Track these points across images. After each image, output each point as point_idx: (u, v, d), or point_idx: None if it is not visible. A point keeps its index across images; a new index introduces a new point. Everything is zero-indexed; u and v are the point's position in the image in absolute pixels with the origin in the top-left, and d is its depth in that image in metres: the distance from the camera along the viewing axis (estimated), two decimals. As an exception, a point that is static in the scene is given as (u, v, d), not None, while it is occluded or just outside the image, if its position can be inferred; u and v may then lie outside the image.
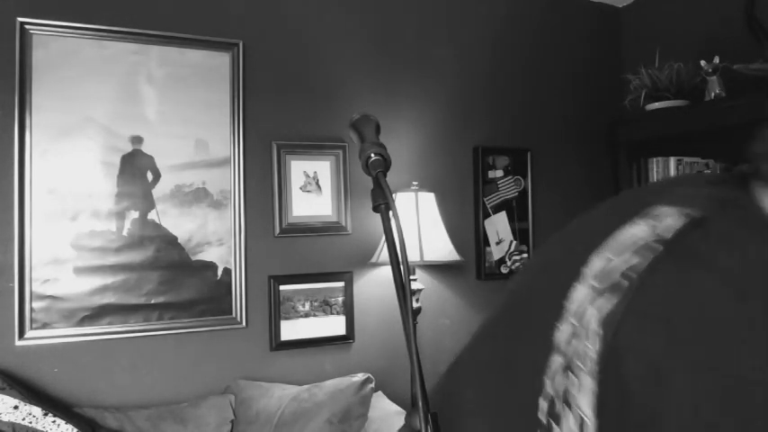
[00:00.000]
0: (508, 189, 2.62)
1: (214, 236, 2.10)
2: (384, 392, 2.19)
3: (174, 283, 2.05)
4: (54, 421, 1.66)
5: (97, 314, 1.96)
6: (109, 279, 1.98)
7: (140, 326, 2.00)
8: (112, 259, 1.99)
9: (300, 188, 2.24)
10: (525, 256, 2.65)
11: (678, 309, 0.47)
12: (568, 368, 0.51)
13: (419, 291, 2.19)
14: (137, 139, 2.02)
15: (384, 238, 0.80)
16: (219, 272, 2.11)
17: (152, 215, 2.04)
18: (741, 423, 0.42)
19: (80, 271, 1.95)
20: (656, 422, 0.45)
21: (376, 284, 2.33)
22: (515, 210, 2.63)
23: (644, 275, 0.49)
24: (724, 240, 0.50)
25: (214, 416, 1.91)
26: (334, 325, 2.25)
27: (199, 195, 2.09)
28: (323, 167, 2.28)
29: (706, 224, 0.51)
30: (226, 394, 2.01)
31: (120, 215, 2.01)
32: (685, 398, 0.44)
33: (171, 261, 2.05)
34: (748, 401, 0.42)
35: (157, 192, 2.05)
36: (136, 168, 2.03)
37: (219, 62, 2.12)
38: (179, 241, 2.06)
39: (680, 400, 0.44)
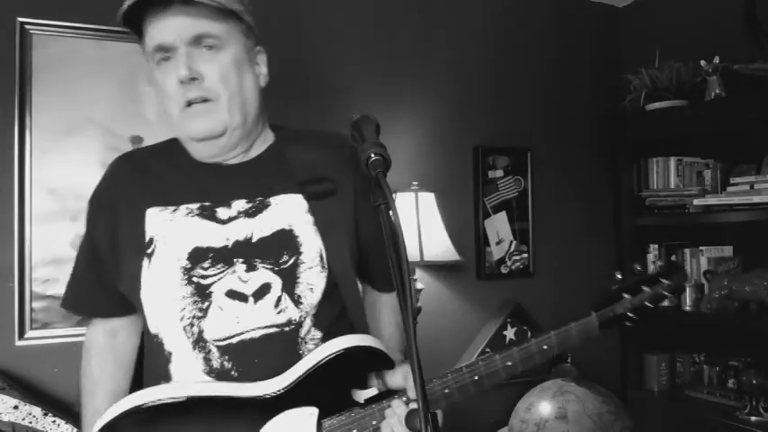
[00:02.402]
0: (508, 189, 2.62)
1: (214, 236, 2.10)
2: (384, 392, 2.19)
3: (174, 283, 2.04)
4: (54, 421, 1.66)
5: (97, 314, 1.96)
6: (109, 279, 1.98)
7: (140, 326, 2.00)
8: (112, 259, 1.99)
9: (300, 188, 2.24)
10: (525, 255, 2.65)
11: None
12: None
13: (419, 291, 2.19)
14: (137, 139, 2.02)
15: (384, 238, 0.80)
16: (219, 272, 2.10)
17: (152, 215, 2.04)
18: None
19: (80, 271, 1.95)
20: None
21: (376, 284, 2.33)
22: (515, 210, 2.63)
23: None
24: None
25: (214, 416, 1.91)
26: (334, 325, 2.25)
27: (199, 195, 2.08)
28: (323, 167, 2.27)
29: None
30: (226, 394, 2.00)
31: (120, 215, 2.00)
32: None
33: (171, 261, 2.04)
34: None
35: (157, 192, 2.05)
36: (136, 168, 2.02)
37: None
38: (179, 241, 2.06)
39: None
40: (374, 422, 0.88)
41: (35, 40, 1.90)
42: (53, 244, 1.91)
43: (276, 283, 0.92)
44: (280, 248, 0.94)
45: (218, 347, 0.89)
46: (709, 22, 2.54)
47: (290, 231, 0.95)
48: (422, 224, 2.14)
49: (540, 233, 2.69)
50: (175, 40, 0.91)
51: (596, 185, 2.85)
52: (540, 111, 2.73)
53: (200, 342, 0.89)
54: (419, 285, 2.20)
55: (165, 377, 0.92)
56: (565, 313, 3.02)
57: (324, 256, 0.96)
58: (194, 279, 0.91)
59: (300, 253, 0.94)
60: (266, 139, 1.07)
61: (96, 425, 0.82)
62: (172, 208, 0.96)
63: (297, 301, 0.93)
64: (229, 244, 0.93)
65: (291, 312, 0.92)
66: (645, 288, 1.03)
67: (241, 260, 0.92)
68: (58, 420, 1.67)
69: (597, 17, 2.90)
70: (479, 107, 2.59)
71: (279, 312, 0.91)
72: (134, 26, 0.94)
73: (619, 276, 1.07)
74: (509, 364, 0.94)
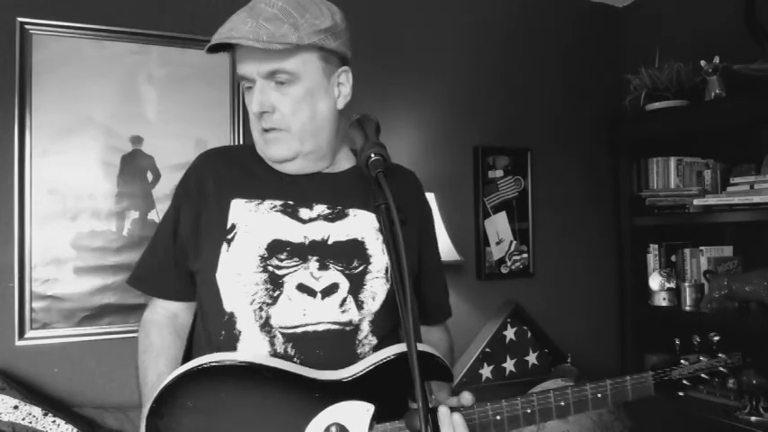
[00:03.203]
0: (508, 189, 2.62)
1: (214, 236, 2.10)
2: (384, 392, 2.19)
3: (174, 283, 2.04)
4: (54, 421, 1.66)
5: (97, 314, 1.96)
6: (109, 279, 1.98)
7: (140, 326, 2.00)
8: (112, 259, 1.99)
9: (300, 188, 2.24)
10: (525, 255, 2.65)
11: None
12: None
13: (419, 291, 2.19)
14: (137, 139, 2.02)
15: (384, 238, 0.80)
16: (219, 272, 2.11)
17: (152, 215, 2.04)
18: None
19: (80, 271, 1.95)
20: None
21: (376, 284, 2.33)
22: (515, 210, 2.63)
23: None
24: None
25: (214, 416, 1.91)
26: (334, 325, 2.25)
27: (199, 195, 2.09)
28: (323, 167, 2.27)
29: None
30: (226, 394, 2.01)
31: (121, 215, 2.01)
32: None
33: (171, 261, 2.04)
34: None
35: (157, 192, 2.05)
36: (136, 168, 2.03)
37: (219, 62, 2.12)
38: (179, 241, 2.06)
39: None
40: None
41: (35, 40, 1.90)
42: (53, 244, 1.91)
43: (344, 284, 0.98)
44: (352, 254, 1.00)
45: (283, 334, 0.95)
46: (709, 22, 2.54)
47: (362, 242, 1.02)
48: (422, 224, 2.14)
49: (540, 233, 2.69)
50: (253, 74, 0.98)
51: (596, 185, 2.85)
52: (540, 111, 2.73)
53: (266, 326, 0.95)
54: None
55: (233, 350, 0.97)
56: (565, 313, 3.03)
57: (389, 270, 1.02)
58: (269, 268, 0.97)
59: (370, 263, 1.01)
60: (350, 159, 1.12)
61: (165, 381, 0.86)
62: (257, 201, 1.02)
63: (359, 305, 0.99)
64: (306, 242, 0.99)
65: (353, 314, 0.98)
66: (702, 358, 1.09)
67: (315, 258, 0.98)
68: (58, 420, 1.67)
69: (597, 17, 2.90)
70: (479, 107, 2.59)
71: (343, 312, 0.97)
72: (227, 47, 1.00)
73: (678, 343, 1.11)
74: (562, 404, 1.04)
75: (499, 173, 2.60)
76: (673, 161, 2.57)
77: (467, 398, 0.92)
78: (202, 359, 0.87)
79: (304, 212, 1.02)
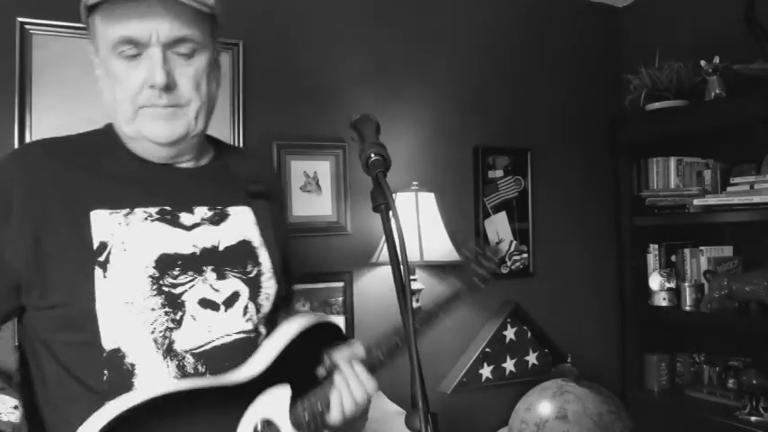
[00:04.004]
0: (508, 189, 2.62)
1: (214, 236, 2.10)
2: (384, 392, 2.19)
3: (173, 283, 2.04)
4: (54, 421, 1.66)
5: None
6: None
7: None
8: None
9: (300, 188, 2.24)
10: (525, 255, 2.65)
11: None
12: None
13: (419, 291, 2.19)
14: (137, 139, 2.02)
15: (384, 238, 0.80)
16: (219, 272, 2.10)
17: (152, 215, 2.04)
18: None
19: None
20: None
21: (376, 284, 2.33)
22: (515, 210, 2.63)
23: None
24: None
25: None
26: (334, 325, 2.25)
27: (199, 195, 2.08)
28: (323, 167, 2.28)
29: None
30: (226, 394, 2.01)
31: (120, 215, 2.00)
32: None
33: (171, 261, 2.04)
34: None
35: (157, 192, 2.05)
36: (136, 168, 2.02)
37: (220, 62, 2.12)
38: (179, 241, 2.05)
39: None
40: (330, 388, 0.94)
41: (35, 40, 1.90)
42: (53, 244, 1.91)
43: (244, 291, 0.93)
44: (245, 258, 0.95)
45: (193, 355, 0.87)
46: (709, 22, 2.54)
47: (250, 242, 0.96)
48: (422, 224, 2.14)
49: (540, 233, 2.69)
50: (151, 39, 0.83)
51: (596, 185, 2.85)
52: (540, 111, 2.73)
53: (170, 352, 0.86)
54: (419, 285, 2.20)
55: (127, 389, 0.84)
56: (565, 313, 3.03)
57: (274, 266, 0.98)
58: (164, 288, 0.86)
59: (260, 264, 0.96)
60: (208, 148, 1.02)
61: None
62: (124, 211, 0.87)
63: (258, 309, 0.95)
64: (197, 251, 0.90)
65: (255, 320, 0.94)
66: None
67: (211, 268, 0.90)
68: (58, 420, 1.67)
69: (597, 17, 2.90)
70: (479, 107, 2.59)
71: (247, 320, 0.93)
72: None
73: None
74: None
75: (499, 173, 2.60)
76: (673, 161, 2.57)
77: (359, 348, 0.97)
78: (101, 415, 0.74)
79: (185, 218, 0.91)
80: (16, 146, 1.86)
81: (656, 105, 2.48)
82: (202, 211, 0.93)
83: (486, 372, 2.48)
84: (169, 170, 0.95)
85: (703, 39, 2.49)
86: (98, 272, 0.83)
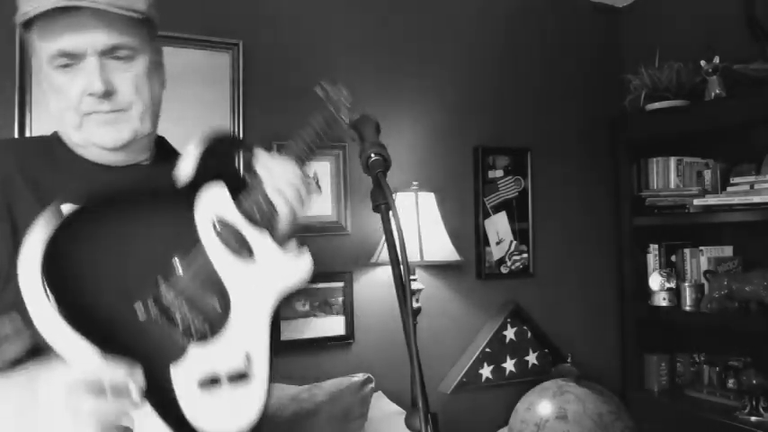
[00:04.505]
0: (508, 189, 2.62)
1: (214, 236, 2.10)
2: (384, 392, 2.19)
3: (173, 283, 2.04)
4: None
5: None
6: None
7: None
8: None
9: (300, 188, 2.24)
10: (525, 255, 2.65)
11: None
12: None
13: (419, 291, 2.19)
14: (137, 139, 2.02)
15: (384, 238, 0.80)
16: (219, 272, 2.10)
17: (152, 215, 2.04)
18: None
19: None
20: None
21: (376, 284, 2.33)
22: (515, 210, 2.63)
23: None
24: None
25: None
26: (334, 325, 2.25)
27: (199, 195, 2.08)
28: (323, 167, 2.28)
29: None
30: (226, 394, 2.00)
31: (120, 215, 2.00)
32: None
33: (171, 261, 2.04)
34: None
35: (157, 192, 2.05)
36: (136, 168, 2.02)
37: (219, 62, 2.12)
38: (179, 241, 2.05)
39: None
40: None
41: (35, 40, 1.90)
42: (53, 244, 1.91)
43: None
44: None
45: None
46: (709, 22, 2.54)
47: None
48: (422, 224, 2.14)
49: (540, 233, 2.69)
50: (86, 50, 0.84)
51: (596, 185, 2.85)
52: (540, 111, 2.73)
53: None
54: (419, 285, 2.20)
55: None
56: (565, 313, 3.03)
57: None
58: None
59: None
60: (151, 149, 1.03)
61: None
62: None
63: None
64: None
65: None
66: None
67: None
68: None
69: (597, 17, 2.90)
70: (479, 107, 2.59)
71: None
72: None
73: None
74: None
75: (499, 173, 2.60)
76: (673, 161, 2.57)
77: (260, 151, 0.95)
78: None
79: None
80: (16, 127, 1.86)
81: (656, 105, 2.48)
82: None
83: (486, 372, 2.48)
84: (128, 170, 0.96)
85: (703, 39, 2.49)
86: None
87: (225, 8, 2.15)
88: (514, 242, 2.62)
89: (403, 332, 0.73)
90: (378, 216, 0.80)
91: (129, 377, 0.66)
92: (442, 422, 2.27)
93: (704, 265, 2.49)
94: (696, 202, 2.39)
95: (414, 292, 2.14)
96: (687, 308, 2.46)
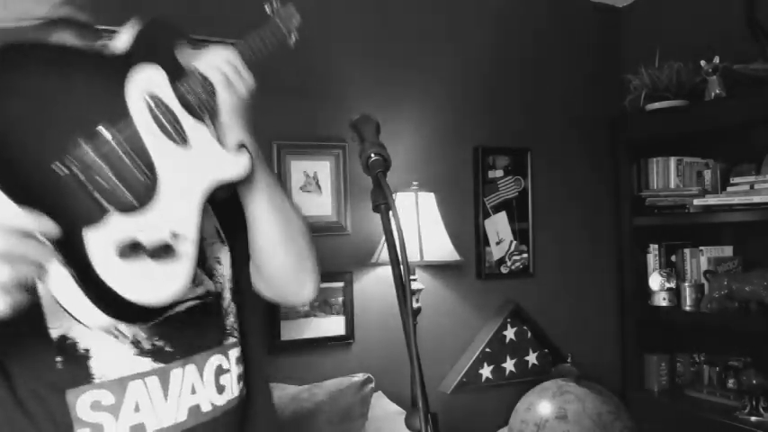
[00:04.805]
0: (508, 189, 2.62)
1: (214, 236, 2.10)
2: (384, 392, 2.19)
3: (174, 283, 2.04)
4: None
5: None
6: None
7: (140, 326, 1.99)
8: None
9: (300, 188, 2.24)
10: (525, 255, 2.65)
11: None
12: None
13: (419, 291, 2.19)
14: (137, 139, 2.01)
15: (384, 238, 0.80)
16: (219, 272, 2.10)
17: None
18: None
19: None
20: None
21: (376, 284, 2.33)
22: (515, 210, 2.63)
23: None
24: None
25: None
26: (334, 325, 2.25)
27: (199, 195, 2.08)
28: (323, 167, 2.28)
29: None
30: (226, 394, 2.01)
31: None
32: None
33: (171, 261, 2.04)
34: None
35: (157, 192, 2.04)
36: (136, 168, 2.02)
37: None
38: (179, 241, 2.05)
39: None
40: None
41: (35, 40, 1.90)
42: (53, 244, 1.91)
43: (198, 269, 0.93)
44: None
45: (145, 330, 0.86)
46: (709, 22, 2.54)
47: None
48: (422, 224, 2.14)
49: (540, 233, 2.69)
50: None
51: (596, 185, 2.85)
52: (540, 111, 2.73)
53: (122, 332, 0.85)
54: (419, 285, 2.20)
55: (86, 377, 0.82)
56: (565, 313, 3.02)
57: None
58: None
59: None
60: None
61: None
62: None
63: (210, 274, 0.96)
64: None
65: (208, 285, 0.94)
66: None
67: None
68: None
69: (597, 17, 2.90)
70: (479, 107, 2.59)
71: (197, 285, 0.92)
72: None
73: None
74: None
75: (499, 173, 2.60)
76: (673, 161, 2.57)
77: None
78: None
79: None
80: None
81: (656, 105, 2.48)
82: None
83: (486, 372, 2.48)
84: None
85: (703, 39, 2.49)
86: None
87: (224, 8, 2.15)
88: (514, 242, 2.62)
89: (403, 332, 0.73)
90: (378, 216, 0.80)
91: (39, 224, 0.65)
92: (442, 422, 2.27)
93: (704, 265, 2.49)
94: (696, 202, 2.39)
95: (414, 292, 2.14)
96: (687, 308, 2.46)
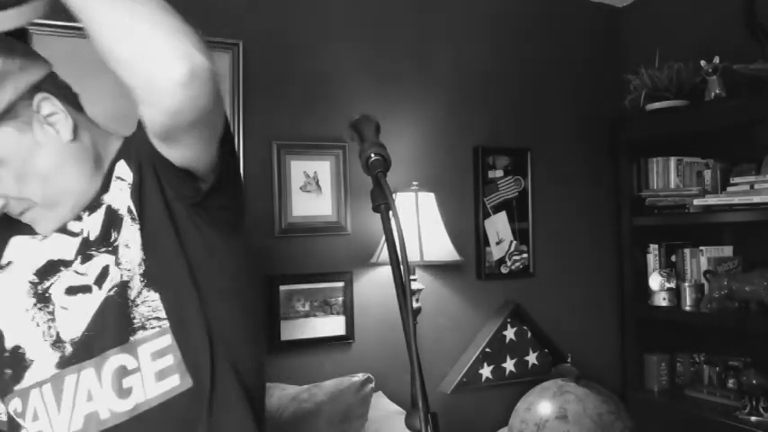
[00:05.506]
0: (508, 189, 2.62)
1: (214, 236, 2.10)
2: (384, 392, 2.19)
3: (173, 283, 2.04)
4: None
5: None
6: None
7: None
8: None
9: (300, 188, 2.24)
10: (525, 255, 2.65)
11: None
12: None
13: (419, 291, 2.19)
14: (137, 139, 2.01)
15: (384, 238, 0.80)
16: (219, 272, 2.10)
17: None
18: None
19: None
20: None
21: (376, 284, 2.33)
22: (515, 210, 2.63)
23: None
24: None
25: (214, 416, 1.90)
26: (334, 325, 2.25)
27: (199, 195, 2.08)
28: (323, 167, 2.28)
29: None
30: (226, 394, 2.00)
31: (120, 215, 2.00)
32: None
33: (171, 261, 2.04)
34: None
35: (157, 192, 2.04)
36: (136, 168, 2.02)
37: (219, 62, 2.12)
38: (179, 241, 2.05)
39: None
40: None
41: (35, 39, 1.91)
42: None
43: (112, 261, 0.90)
44: (110, 229, 0.92)
45: (73, 343, 0.88)
46: (709, 22, 2.54)
47: (117, 209, 0.93)
48: (422, 224, 2.14)
49: (540, 233, 2.69)
50: None
51: (596, 185, 2.85)
52: (540, 111, 2.73)
53: (57, 343, 0.89)
54: (419, 285, 2.20)
55: (17, 381, 0.91)
56: (565, 313, 3.03)
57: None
58: (39, 290, 0.91)
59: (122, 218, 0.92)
60: None
61: None
62: (40, 237, 0.95)
63: (117, 264, 0.90)
64: (75, 251, 0.92)
65: (114, 278, 0.89)
66: None
67: (80, 257, 0.91)
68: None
69: (597, 17, 2.90)
70: (479, 107, 2.59)
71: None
72: None
73: None
74: None
75: (499, 173, 2.60)
76: (673, 161, 2.57)
77: None
78: None
79: (73, 225, 0.94)
80: None
81: (656, 105, 2.48)
82: (86, 214, 0.94)
83: (486, 372, 2.48)
84: None
85: (703, 39, 2.49)
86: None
87: (225, 8, 2.15)
88: (514, 242, 2.62)
89: (403, 332, 0.73)
90: (378, 216, 0.80)
91: None
92: (441, 422, 2.27)
93: (704, 265, 2.49)
94: (696, 202, 2.39)
95: (414, 292, 2.14)
96: (687, 308, 2.46)
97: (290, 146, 2.22)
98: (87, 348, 0.87)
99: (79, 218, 0.94)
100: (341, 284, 2.27)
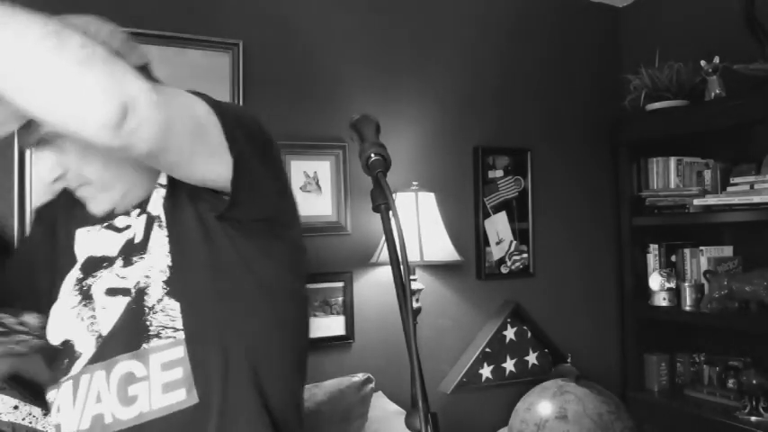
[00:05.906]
0: (508, 189, 2.62)
1: (214, 236, 2.10)
2: (384, 392, 2.19)
3: (173, 283, 2.04)
4: (54, 421, 1.66)
5: None
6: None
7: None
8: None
9: (300, 188, 2.24)
10: (525, 255, 2.65)
11: None
12: None
13: (419, 291, 2.19)
14: (137, 139, 2.01)
15: (384, 238, 0.80)
16: (219, 272, 2.10)
17: (152, 215, 2.03)
18: None
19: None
20: None
21: (376, 284, 2.33)
22: (515, 210, 2.63)
23: None
24: None
25: (214, 416, 1.90)
26: (334, 325, 2.25)
27: (199, 195, 2.08)
28: (323, 167, 2.28)
29: None
30: (226, 394, 2.00)
31: (120, 215, 2.00)
32: None
33: (171, 261, 2.04)
34: None
35: (157, 192, 2.04)
36: (136, 168, 2.02)
37: (219, 62, 2.12)
38: (179, 241, 2.05)
39: None
40: None
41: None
42: (53, 244, 1.91)
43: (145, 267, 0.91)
44: (149, 234, 0.92)
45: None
46: (709, 22, 2.54)
47: (156, 216, 0.93)
48: (422, 224, 2.14)
49: (540, 233, 2.69)
50: None
51: (596, 185, 2.85)
52: (540, 111, 2.73)
53: (98, 339, 0.90)
54: (419, 285, 2.20)
55: (66, 373, 0.92)
56: (565, 313, 3.03)
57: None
58: (84, 286, 0.93)
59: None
60: None
61: None
62: (98, 227, 0.97)
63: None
64: (118, 249, 0.94)
65: (130, 280, 0.90)
66: None
67: (122, 258, 0.92)
68: (58, 420, 1.67)
69: (597, 17, 2.90)
70: (479, 107, 2.59)
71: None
72: None
73: None
74: None
75: (499, 173, 2.60)
76: (673, 161, 2.57)
77: None
78: None
79: (120, 221, 0.96)
80: (16, 146, 1.86)
81: (656, 105, 2.48)
82: (136, 212, 0.95)
83: (486, 372, 2.48)
84: None
85: (703, 39, 2.49)
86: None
87: (225, 8, 2.15)
88: (514, 242, 2.62)
89: (403, 332, 0.73)
90: (378, 216, 0.80)
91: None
92: (441, 422, 2.27)
93: (704, 265, 2.49)
94: (696, 202, 2.39)
95: (414, 292, 2.14)
96: (687, 308, 2.46)
97: (290, 146, 2.22)
98: (101, 350, 0.88)
99: (128, 213, 0.95)
100: (341, 284, 2.27)
